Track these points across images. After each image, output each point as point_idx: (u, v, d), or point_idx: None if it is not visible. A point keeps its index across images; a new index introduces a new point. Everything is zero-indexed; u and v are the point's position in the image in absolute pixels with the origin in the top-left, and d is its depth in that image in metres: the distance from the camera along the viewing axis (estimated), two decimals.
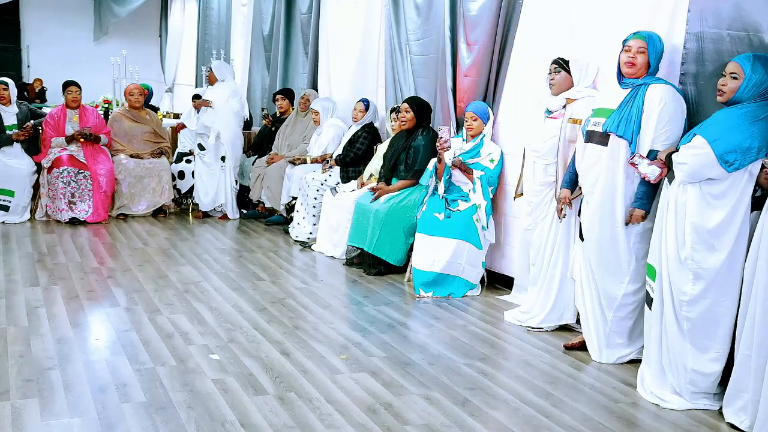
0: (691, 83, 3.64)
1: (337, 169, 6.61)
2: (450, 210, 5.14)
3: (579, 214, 4.04)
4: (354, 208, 5.80)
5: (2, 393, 3.18)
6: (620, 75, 3.77)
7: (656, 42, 3.70)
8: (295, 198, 6.94)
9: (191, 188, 7.71)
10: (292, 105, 7.74)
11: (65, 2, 13.53)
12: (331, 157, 6.73)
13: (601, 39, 4.28)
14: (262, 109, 8.54)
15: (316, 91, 7.66)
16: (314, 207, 6.53)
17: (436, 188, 5.32)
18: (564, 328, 4.44)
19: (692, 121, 3.59)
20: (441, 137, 5.15)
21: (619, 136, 3.67)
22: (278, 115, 7.93)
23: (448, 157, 5.23)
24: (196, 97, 7.99)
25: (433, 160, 5.38)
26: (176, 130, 8.11)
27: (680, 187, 3.33)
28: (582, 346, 4.07)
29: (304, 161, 7.04)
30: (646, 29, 3.78)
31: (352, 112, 6.66)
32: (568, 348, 4.11)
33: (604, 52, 4.20)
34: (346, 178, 6.50)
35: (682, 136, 3.51)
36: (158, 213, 7.60)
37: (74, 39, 14.43)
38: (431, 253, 5.09)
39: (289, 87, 8.11)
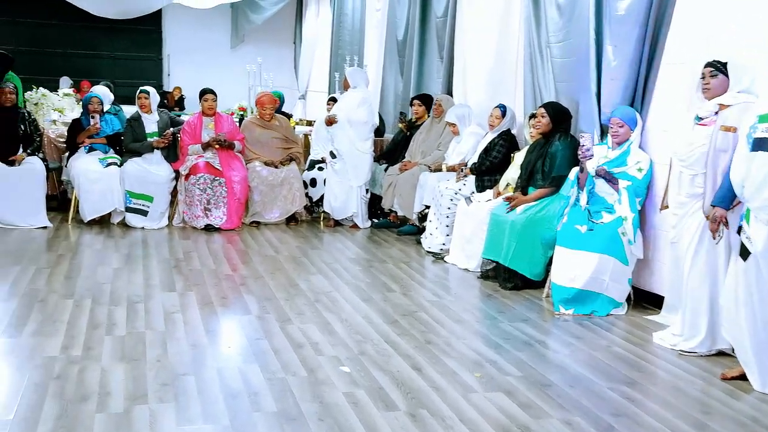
0: None
1: (471, 178, 6.56)
2: (593, 222, 4.98)
3: (738, 232, 3.80)
4: (489, 218, 5.74)
5: (141, 396, 3.34)
6: None
7: None
8: (427, 207, 6.95)
9: (323, 196, 7.87)
10: (429, 112, 7.76)
11: (204, 11, 14.19)
12: (466, 165, 6.69)
13: (762, 39, 4.02)
14: (400, 113, 8.60)
15: (451, 96, 7.64)
16: (447, 217, 6.51)
17: (577, 199, 5.17)
18: (721, 353, 4.20)
19: None
20: (582, 145, 5.00)
21: None
22: (413, 120, 7.97)
23: (591, 165, 5.07)
24: (332, 100, 8.19)
25: (575, 170, 5.23)
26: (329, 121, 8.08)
27: None
28: (742, 377, 3.82)
29: (440, 169, 7.04)
30: None
31: (489, 118, 6.60)
32: (726, 379, 3.86)
33: (764, 54, 3.94)
34: (481, 188, 6.44)
35: None
36: (290, 221, 7.81)
37: (212, 47, 15.15)
38: (572, 268, 4.95)
39: (424, 93, 8.13)
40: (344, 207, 7.75)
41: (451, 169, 6.94)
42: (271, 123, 7.94)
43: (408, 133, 7.93)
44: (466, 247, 6.11)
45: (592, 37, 5.35)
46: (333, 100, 7.95)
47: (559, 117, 5.63)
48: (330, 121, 7.61)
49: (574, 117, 5.70)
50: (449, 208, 6.51)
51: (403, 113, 8.53)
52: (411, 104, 8.02)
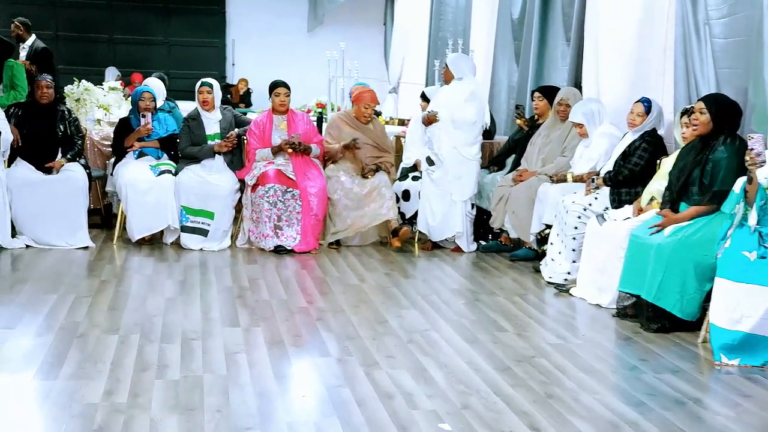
0: None
1: (605, 191, 6.47)
2: (765, 248, 4.83)
3: None
4: (628, 241, 5.64)
5: None
6: None
7: None
8: (549, 226, 6.89)
9: (417, 213, 7.91)
10: (551, 108, 7.67)
11: None
12: (598, 174, 6.60)
13: None
14: (516, 107, 8.54)
15: (579, 90, 7.58)
16: (574, 239, 6.44)
17: (745, 217, 5.03)
18: None
19: None
20: (752, 148, 4.87)
21: None
22: (535, 118, 7.95)
23: (762, 175, 4.93)
24: (423, 97, 8.19)
25: (741, 180, 5.09)
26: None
27: None
28: None
29: (564, 179, 6.97)
30: None
31: (628, 116, 6.50)
32: None
33: None
34: (617, 203, 6.35)
35: None
36: (382, 241, 7.90)
37: (285, 31, 15.41)
38: (738, 306, 4.80)
39: (547, 84, 8.06)
40: (444, 226, 7.75)
41: (578, 179, 6.87)
42: (366, 125, 8.05)
43: (528, 132, 7.88)
44: (597, 278, 6.03)
45: (766, 9, 5.19)
46: (424, 97, 7.94)
47: (723, 114, 5.47)
48: (429, 120, 7.63)
49: (742, 114, 5.54)
50: (576, 228, 6.44)
51: (520, 106, 8.47)
52: (531, 98, 7.97)
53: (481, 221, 7.99)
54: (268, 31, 15.27)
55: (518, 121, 8.12)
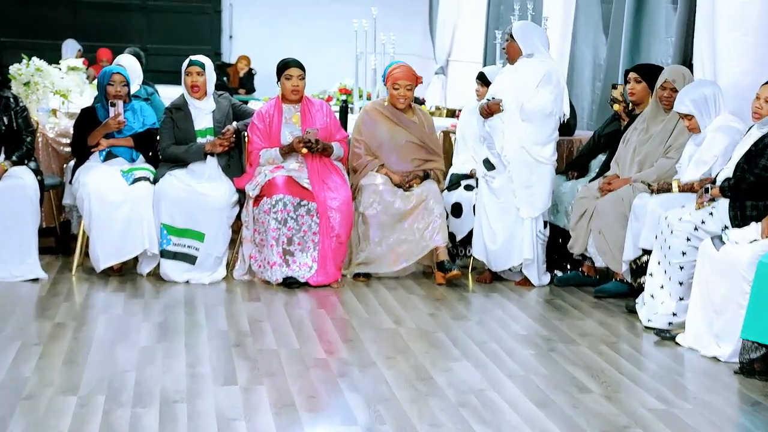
0: None
1: (723, 204, 6.44)
2: None
3: None
4: (755, 272, 5.61)
5: None
6: None
7: None
8: (648, 252, 6.87)
9: (471, 233, 7.90)
10: (652, 94, 7.64)
11: None
12: (714, 182, 6.56)
13: None
14: (613, 87, 8.46)
15: (690, 69, 7.54)
16: (681, 268, 6.43)
17: None
18: None
19: None
20: None
21: None
22: (631, 108, 7.93)
23: None
24: (482, 79, 8.15)
25: None
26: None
27: None
28: None
29: (668, 188, 6.95)
30: None
31: (754, 103, 6.46)
32: None
33: None
34: (740, 219, 6.32)
35: None
36: (425, 271, 7.93)
37: None
38: None
39: (646, 63, 8.00)
40: (507, 251, 7.73)
41: (687, 188, 6.84)
42: (406, 118, 8.05)
43: (626, 122, 7.86)
44: (714, 321, 6.00)
45: None
46: (483, 79, 7.90)
47: None
48: (489, 110, 7.59)
49: None
50: (685, 255, 6.42)
51: (617, 85, 8.33)
52: (625, 81, 7.95)
53: (557, 245, 7.99)
54: None
55: (615, 107, 8.04)
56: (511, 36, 7.84)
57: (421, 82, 8.31)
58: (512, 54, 7.80)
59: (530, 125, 7.63)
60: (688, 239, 6.43)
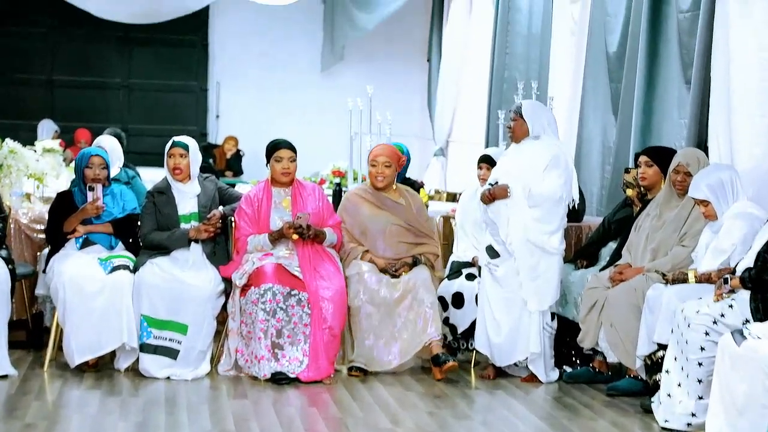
0: None
1: (744, 296, 6.38)
2: None
3: None
4: None
5: None
6: None
7: None
8: (663, 347, 6.80)
9: (473, 325, 7.83)
10: (665, 178, 7.60)
11: (279, 11, 14.53)
12: (733, 272, 6.48)
13: None
14: (626, 171, 8.49)
15: (705, 151, 7.56)
16: (700, 365, 6.35)
17: None
18: None
19: None
20: None
21: None
22: (643, 193, 7.90)
23: None
24: (485, 160, 8.10)
25: None
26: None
27: None
28: None
29: (684, 278, 6.86)
30: None
31: None
32: None
33: None
34: (761, 312, 6.26)
35: None
36: (424, 366, 7.86)
37: (290, 70, 15.54)
38: None
39: (658, 145, 8.01)
40: (513, 345, 7.67)
41: (704, 279, 6.78)
42: (390, 198, 8.03)
43: (638, 208, 7.85)
44: (736, 422, 5.89)
45: None
46: (489, 161, 7.87)
47: None
48: (493, 196, 7.54)
49: None
50: (703, 350, 6.34)
51: (630, 169, 8.33)
52: (636, 164, 7.94)
53: (566, 338, 7.94)
54: (265, 71, 15.39)
55: (629, 192, 8.06)
56: (520, 114, 7.81)
57: (404, 163, 8.40)
58: (518, 133, 7.78)
59: (538, 211, 7.61)
60: (706, 333, 6.36)
